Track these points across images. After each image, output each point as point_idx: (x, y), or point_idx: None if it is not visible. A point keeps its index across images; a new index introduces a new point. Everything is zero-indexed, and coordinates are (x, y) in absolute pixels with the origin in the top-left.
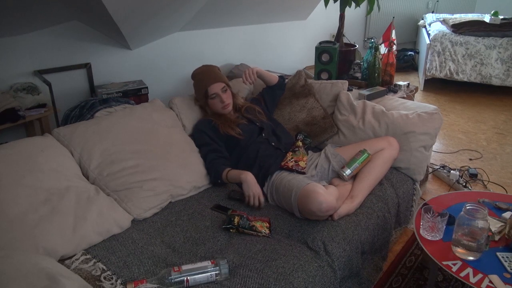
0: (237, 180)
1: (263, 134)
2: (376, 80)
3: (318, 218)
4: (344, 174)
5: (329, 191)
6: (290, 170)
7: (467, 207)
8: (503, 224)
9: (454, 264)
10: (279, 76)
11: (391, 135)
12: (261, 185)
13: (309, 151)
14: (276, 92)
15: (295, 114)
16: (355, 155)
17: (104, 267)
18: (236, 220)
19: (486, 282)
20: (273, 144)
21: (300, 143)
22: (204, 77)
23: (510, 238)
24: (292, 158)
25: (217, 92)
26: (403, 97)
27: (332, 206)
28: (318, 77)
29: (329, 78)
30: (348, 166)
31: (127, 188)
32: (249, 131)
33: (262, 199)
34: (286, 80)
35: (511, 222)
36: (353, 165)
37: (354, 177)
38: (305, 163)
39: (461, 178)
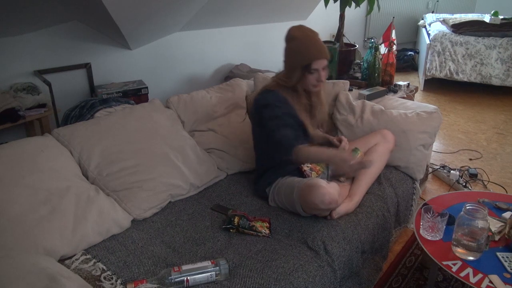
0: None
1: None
2: (376, 80)
3: (320, 212)
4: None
5: (330, 185)
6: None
7: (467, 207)
8: (503, 224)
9: (454, 264)
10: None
11: None
12: (266, 184)
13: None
14: None
15: None
16: None
17: (104, 267)
18: (236, 220)
19: (486, 282)
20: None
21: None
22: (310, 46)
23: (510, 238)
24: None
25: (319, 68)
26: (403, 97)
27: (335, 199)
28: None
29: (329, 78)
30: None
31: (126, 188)
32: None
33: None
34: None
35: (511, 222)
36: None
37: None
38: (317, 175)
39: (461, 178)
